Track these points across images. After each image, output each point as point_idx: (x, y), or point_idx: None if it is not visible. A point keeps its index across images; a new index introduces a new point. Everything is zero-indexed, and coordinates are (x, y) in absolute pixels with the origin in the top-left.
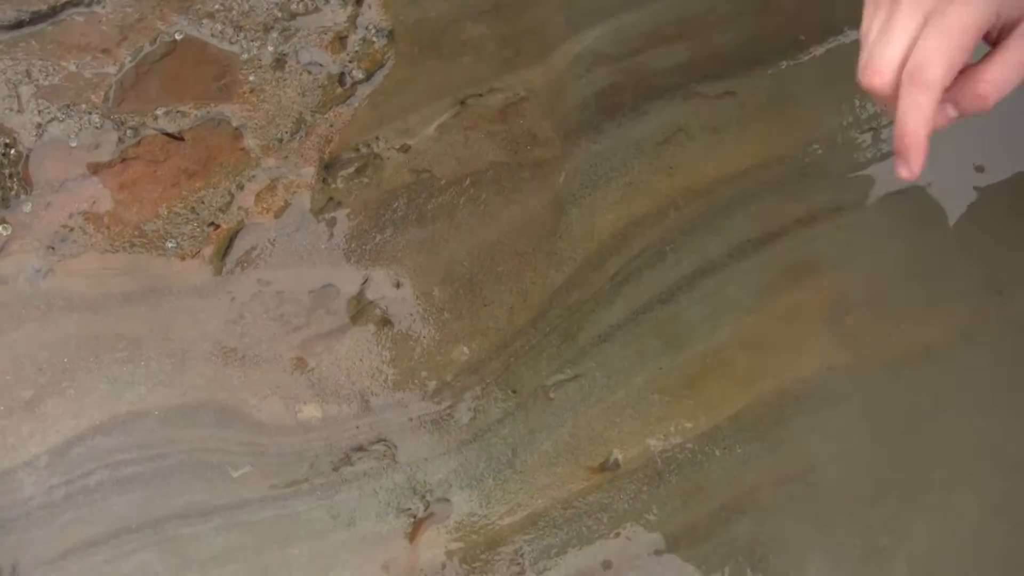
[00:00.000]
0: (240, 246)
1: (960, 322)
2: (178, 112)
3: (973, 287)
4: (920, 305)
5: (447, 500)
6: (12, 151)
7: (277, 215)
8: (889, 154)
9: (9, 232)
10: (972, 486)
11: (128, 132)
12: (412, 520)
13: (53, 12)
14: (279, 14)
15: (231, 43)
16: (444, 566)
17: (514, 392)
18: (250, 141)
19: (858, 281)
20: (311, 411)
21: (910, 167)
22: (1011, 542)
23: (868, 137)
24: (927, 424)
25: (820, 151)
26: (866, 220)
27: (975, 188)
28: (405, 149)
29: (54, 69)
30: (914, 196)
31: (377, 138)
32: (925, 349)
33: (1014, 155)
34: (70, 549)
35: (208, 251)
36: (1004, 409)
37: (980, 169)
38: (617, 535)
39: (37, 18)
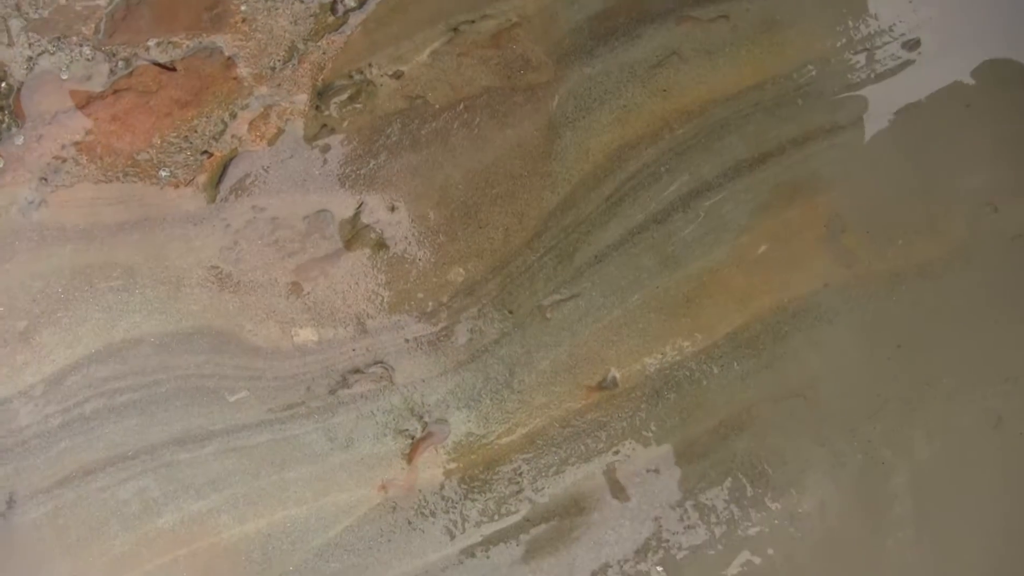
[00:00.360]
0: (234, 173)
1: (955, 238)
2: (170, 43)
3: (967, 204)
4: (915, 222)
5: (445, 421)
6: (3, 84)
7: (270, 142)
8: (883, 75)
9: (1, 165)
10: (971, 399)
11: (120, 64)
12: (410, 441)
13: None
14: None
15: None
16: (443, 486)
17: (511, 313)
18: (243, 70)
19: (853, 199)
20: (307, 335)
21: None
22: (1012, 453)
23: (862, 58)
24: (925, 339)
25: (813, 72)
26: (860, 140)
27: (968, 107)
28: (398, 76)
29: (44, 2)
30: (908, 115)
31: (370, 65)
32: (921, 265)
33: (1005, 74)
34: (67, 477)
35: (202, 179)
36: (1001, 323)
37: (972, 89)
38: (616, 453)
39: None
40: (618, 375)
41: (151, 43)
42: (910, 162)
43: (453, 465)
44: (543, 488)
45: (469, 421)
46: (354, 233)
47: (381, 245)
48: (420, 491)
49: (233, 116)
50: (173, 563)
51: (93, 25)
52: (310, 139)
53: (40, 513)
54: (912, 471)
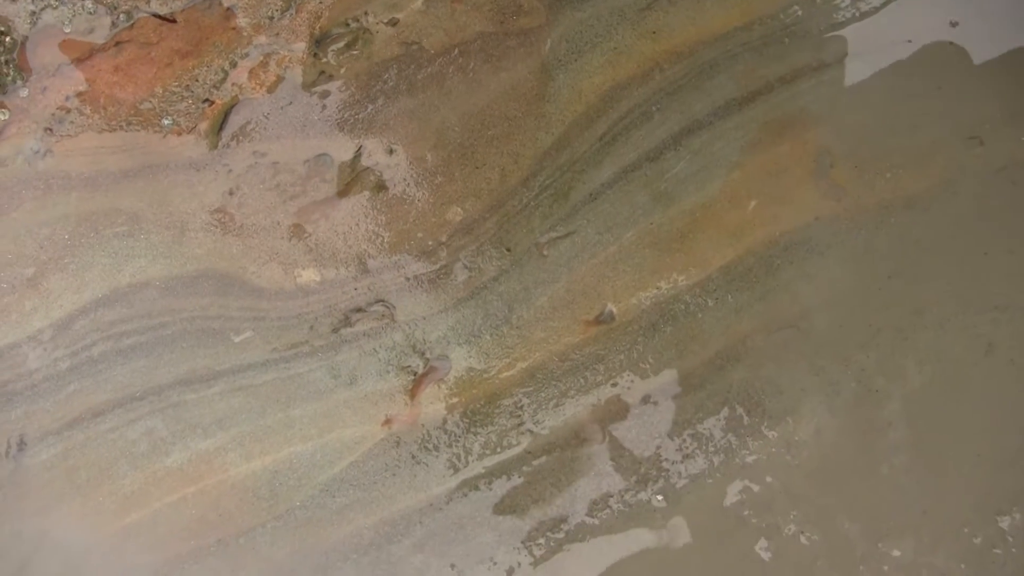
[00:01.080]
0: (235, 120)
1: (943, 171)
2: None
3: (954, 138)
4: (903, 156)
5: (446, 357)
6: (7, 39)
7: (270, 90)
8: (868, 13)
9: (7, 117)
10: (962, 327)
11: (121, 16)
12: (412, 377)
13: None
14: None
15: None
16: (445, 420)
17: (508, 250)
18: (241, 20)
19: (842, 135)
20: (310, 275)
21: None
22: (1003, 379)
23: None
24: (915, 270)
25: (799, 12)
26: (847, 77)
27: (952, 43)
28: (393, 23)
29: None
30: (894, 52)
31: (366, 13)
32: (909, 198)
33: (988, 8)
34: (76, 419)
35: (203, 126)
36: (989, 253)
37: (955, 24)
38: (614, 385)
39: None
40: (615, 309)
41: None
42: (896, 97)
43: (455, 400)
44: (543, 421)
45: (470, 357)
46: (354, 176)
47: (380, 187)
48: (423, 426)
49: (233, 65)
50: (182, 501)
51: None
52: (309, 86)
53: (50, 454)
54: (905, 398)
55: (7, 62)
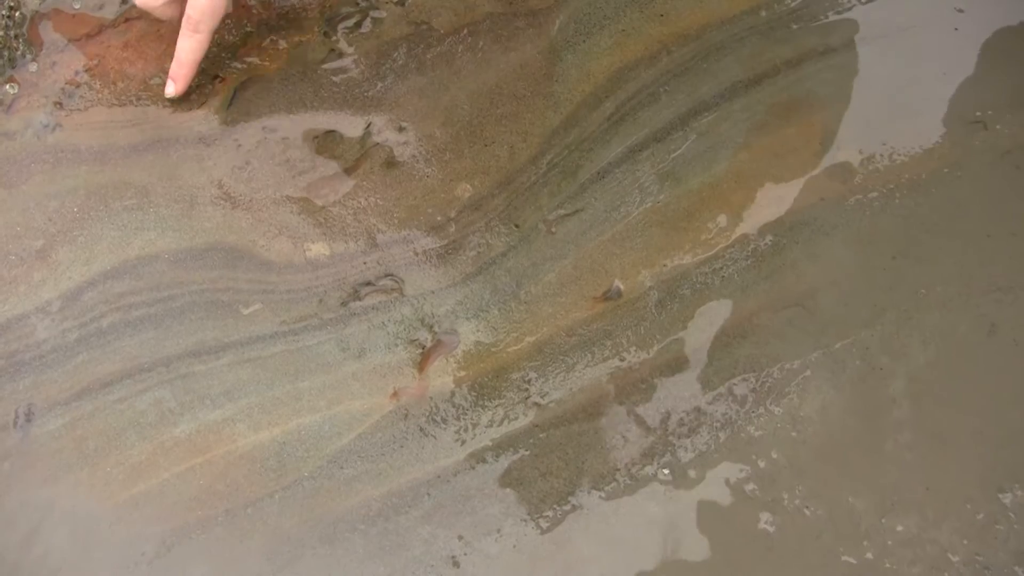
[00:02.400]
0: (245, 96)
1: (947, 154)
2: None
3: (958, 121)
4: (908, 139)
5: (454, 331)
6: (17, 13)
7: (280, 66)
8: None
9: (16, 91)
10: (966, 307)
11: None
12: (420, 350)
13: None
14: None
15: None
16: (453, 393)
17: (517, 227)
18: None
19: (847, 117)
20: (319, 249)
21: (177, 88)
22: (1006, 359)
23: None
24: (919, 251)
25: None
26: (853, 60)
27: (956, 28)
28: (402, 3)
29: None
30: (899, 37)
31: None
32: (914, 180)
33: None
34: (84, 389)
35: (214, 102)
36: (992, 236)
37: (960, 10)
38: (621, 360)
39: None
40: (622, 286)
41: None
42: (901, 82)
43: (463, 373)
44: (551, 394)
45: (478, 331)
46: (363, 152)
47: (390, 163)
48: (431, 399)
49: (243, 42)
50: (190, 471)
51: None
52: (318, 63)
53: (58, 424)
54: (909, 376)
55: (17, 36)
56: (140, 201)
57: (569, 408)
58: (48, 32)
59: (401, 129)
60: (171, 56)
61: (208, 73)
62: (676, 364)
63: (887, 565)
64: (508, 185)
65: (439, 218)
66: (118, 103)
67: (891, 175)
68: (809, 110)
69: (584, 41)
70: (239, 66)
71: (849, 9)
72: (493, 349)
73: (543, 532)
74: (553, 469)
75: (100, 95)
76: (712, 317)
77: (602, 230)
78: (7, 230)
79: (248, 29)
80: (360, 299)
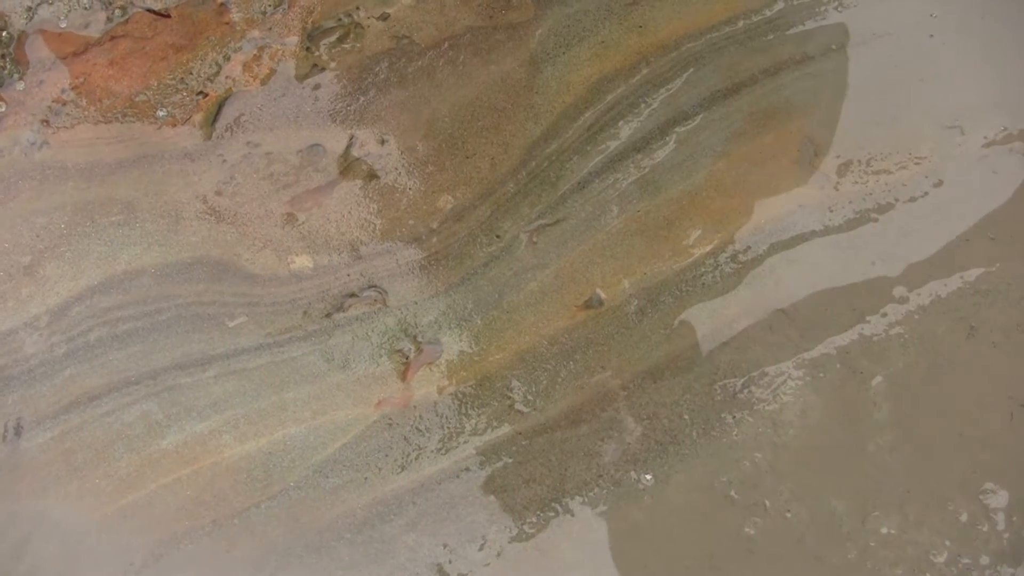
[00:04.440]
0: (229, 112)
1: (925, 159)
2: None
3: (936, 126)
4: (886, 145)
5: (437, 340)
6: (4, 33)
7: (264, 82)
8: (849, 6)
9: (3, 109)
10: (945, 310)
11: (116, 12)
12: (404, 360)
13: None
14: None
15: None
16: (436, 403)
17: (498, 237)
18: (235, 15)
19: (825, 125)
20: (303, 262)
21: None
22: (986, 361)
23: None
24: (897, 255)
25: (782, 5)
26: (830, 69)
27: (931, 35)
28: (384, 17)
29: None
30: (875, 45)
31: (357, 8)
32: (891, 186)
33: (966, 1)
34: (72, 403)
35: (198, 118)
36: (970, 241)
37: (934, 16)
38: (603, 368)
39: None
40: (603, 294)
41: None
42: (878, 88)
43: (446, 382)
44: (533, 402)
45: (461, 340)
46: (346, 165)
47: (372, 176)
48: (415, 408)
49: (227, 58)
50: (177, 482)
51: None
52: (301, 78)
53: (47, 438)
54: (889, 379)
55: (3, 56)
56: (126, 216)
57: (552, 416)
58: (35, 51)
59: (383, 142)
60: (157, 72)
61: (192, 89)
62: (657, 371)
63: (869, 566)
64: (489, 196)
65: (421, 229)
66: (104, 120)
67: (869, 181)
68: (787, 118)
69: (564, 53)
70: (223, 82)
71: (825, 17)
72: (476, 358)
73: (527, 538)
74: (537, 476)
75: (86, 112)
76: (693, 324)
77: (583, 239)
78: None
79: (231, 45)
80: (344, 311)
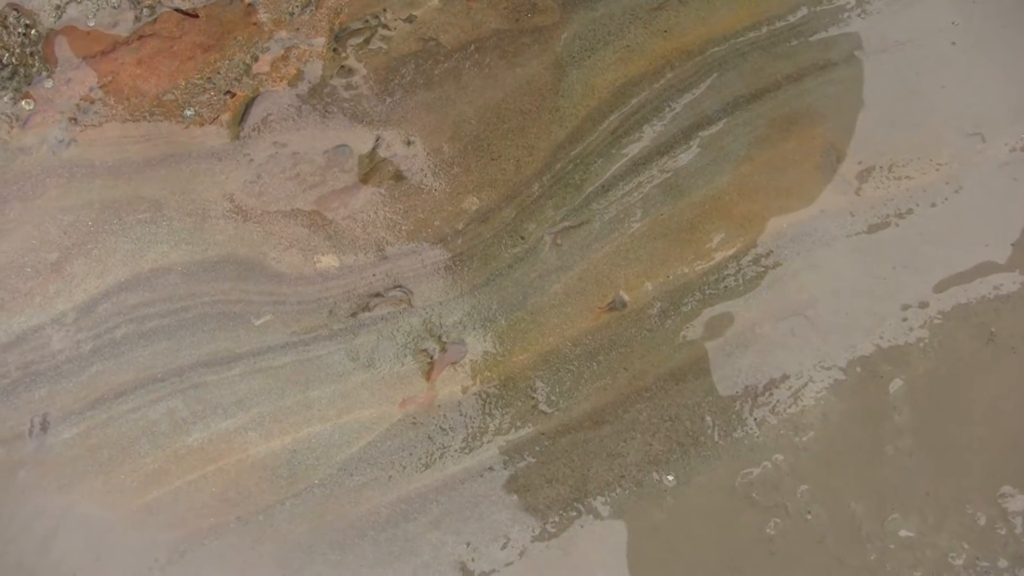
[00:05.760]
0: (256, 112)
1: (946, 166)
2: None
3: (956, 133)
4: (907, 151)
5: (462, 341)
6: (33, 32)
7: (291, 83)
8: (872, 13)
9: (32, 107)
10: (965, 316)
11: (144, 11)
12: (429, 360)
13: None
14: None
15: None
16: (460, 402)
17: (523, 239)
18: (262, 16)
19: (847, 131)
20: (329, 261)
21: None
22: (1005, 367)
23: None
24: (918, 260)
25: (806, 12)
26: (853, 75)
27: (952, 43)
28: (411, 19)
29: None
30: (897, 52)
31: (384, 10)
32: (912, 192)
33: (989, 9)
34: (98, 399)
35: (225, 117)
36: (991, 247)
37: (956, 24)
38: (626, 369)
39: None
40: (627, 297)
41: None
42: (899, 95)
43: (470, 382)
44: (557, 403)
45: (485, 341)
46: (372, 166)
47: (398, 177)
48: (439, 407)
49: (254, 59)
50: (202, 479)
51: None
52: (328, 79)
53: (73, 434)
54: (909, 384)
55: (32, 54)
56: (153, 215)
57: (575, 416)
58: (63, 49)
59: (409, 143)
60: (184, 72)
61: (220, 89)
62: (680, 373)
63: (889, 568)
64: (515, 198)
65: (447, 230)
66: (132, 119)
67: (890, 187)
68: (810, 123)
69: (589, 57)
70: (250, 82)
71: (848, 24)
72: (500, 359)
73: (550, 538)
74: (559, 476)
75: (114, 111)
76: (715, 327)
77: (607, 242)
78: (23, 243)
79: (259, 46)
80: (369, 310)
